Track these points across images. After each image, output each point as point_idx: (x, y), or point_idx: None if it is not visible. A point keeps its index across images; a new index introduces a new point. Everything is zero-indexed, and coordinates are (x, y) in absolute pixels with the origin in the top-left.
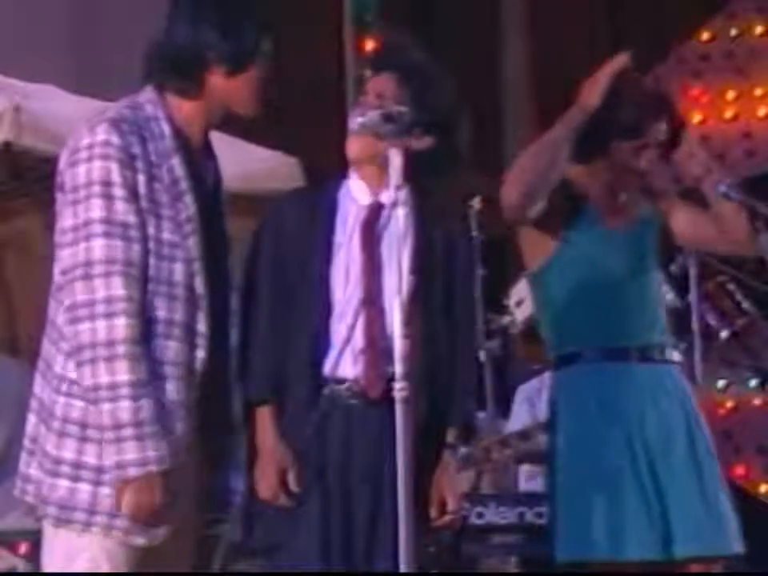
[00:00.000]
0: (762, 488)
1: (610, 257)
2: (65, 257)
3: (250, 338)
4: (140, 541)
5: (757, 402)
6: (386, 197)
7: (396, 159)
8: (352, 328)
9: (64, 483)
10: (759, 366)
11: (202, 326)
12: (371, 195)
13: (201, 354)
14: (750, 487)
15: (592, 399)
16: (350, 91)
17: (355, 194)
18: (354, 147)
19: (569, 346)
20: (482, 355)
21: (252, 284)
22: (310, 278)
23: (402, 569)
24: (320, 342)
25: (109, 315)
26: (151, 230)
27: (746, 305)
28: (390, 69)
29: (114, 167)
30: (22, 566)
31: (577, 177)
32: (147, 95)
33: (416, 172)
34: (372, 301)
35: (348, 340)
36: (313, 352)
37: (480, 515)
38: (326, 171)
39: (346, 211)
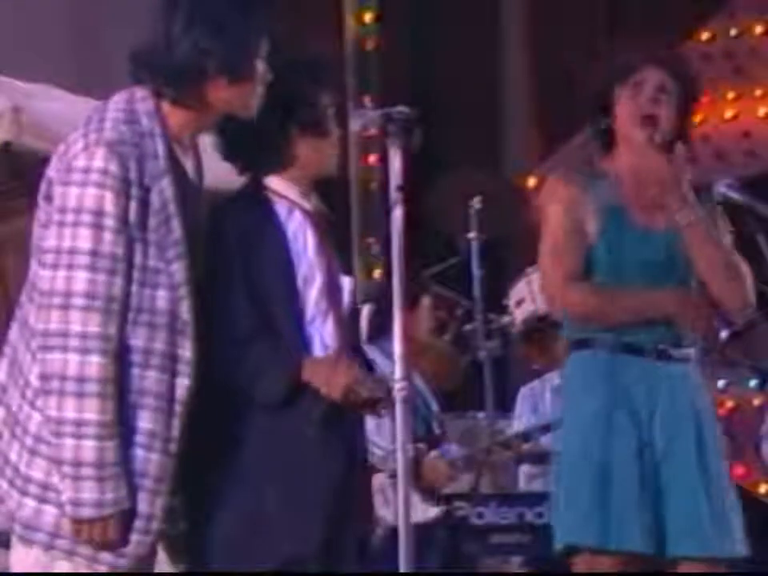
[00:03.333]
0: (762, 488)
1: (641, 256)
2: (42, 275)
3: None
4: (102, 568)
5: (757, 401)
6: (313, 198)
7: (396, 159)
8: (323, 331)
9: (30, 503)
10: (759, 366)
11: (186, 353)
12: (302, 197)
13: (184, 381)
14: (750, 487)
15: (602, 387)
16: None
17: (289, 194)
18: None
19: (584, 332)
20: (482, 355)
21: (229, 297)
22: (278, 286)
23: (402, 569)
24: (305, 346)
25: (83, 351)
26: (138, 258)
27: None
28: None
29: (109, 196)
30: None
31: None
32: (145, 105)
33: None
34: (339, 306)
35: (323, 343)
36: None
37: (480, 515)
38: None
39: (285, 213)
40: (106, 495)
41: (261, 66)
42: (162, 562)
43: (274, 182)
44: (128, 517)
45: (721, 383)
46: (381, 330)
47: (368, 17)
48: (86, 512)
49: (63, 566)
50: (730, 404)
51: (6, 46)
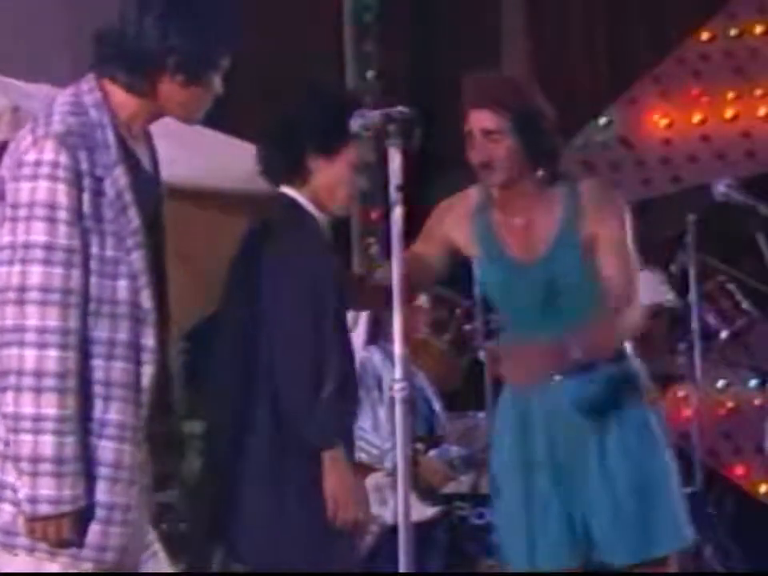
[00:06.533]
0: (762, 488)
1: (517, 290)
2: None
3: (325, 380)
4: (87, 566)
5: (757, 401)
6: None
7: (396, 159)
8: None
9: (8, 508)
10: (759, 366)
11: (149, 341)
12: None
13: (148, 369)
14: (750, 487)
15: (507, 417)
16: None
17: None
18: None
19: None
20: (482, 355)
21: (322, 322)
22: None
23: (402, 569)
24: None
25: (40, 345)
26: (95, 249)
27: (745, 305)
28: None
29: (61, 188)
30: None
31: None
32: (92, 96)
33: None
34: None
35: None
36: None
37: (480, 515)
38: None
39: None
40: (63, 492)
41: (218, 80)
42: (163, 562)
43: None
44: (89, 513)
45: (721, 383)
46: (381, 330)
47: (368, 17)
48: (43, 509)
49: (49, 568)
50: (730, 404)
51: (6, 46)
